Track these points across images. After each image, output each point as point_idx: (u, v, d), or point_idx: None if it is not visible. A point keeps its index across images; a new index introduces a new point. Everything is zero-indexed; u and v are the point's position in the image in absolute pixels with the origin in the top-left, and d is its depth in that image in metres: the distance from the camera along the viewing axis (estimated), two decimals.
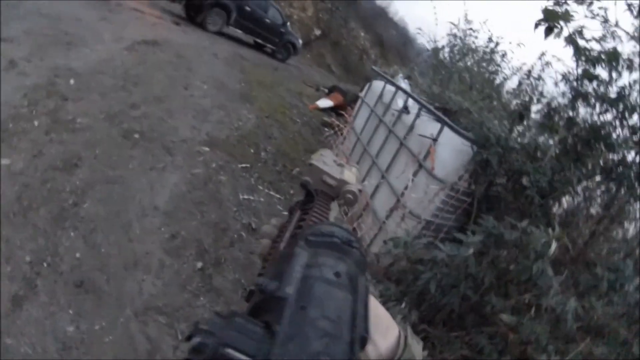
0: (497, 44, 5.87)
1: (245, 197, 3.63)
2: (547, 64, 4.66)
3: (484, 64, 5.91)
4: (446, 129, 3.06)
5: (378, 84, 4.48)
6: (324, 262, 0.37)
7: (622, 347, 2.08)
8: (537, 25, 2.73)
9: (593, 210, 3.00)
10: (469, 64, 6.06)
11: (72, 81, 4.18)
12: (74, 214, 2.57)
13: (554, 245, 2.06)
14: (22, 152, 2.92)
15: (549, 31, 2.72)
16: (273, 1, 13.16)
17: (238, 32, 11.55)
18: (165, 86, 5.19)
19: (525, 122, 3.23)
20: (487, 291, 2.33)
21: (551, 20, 2.71)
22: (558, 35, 2.74)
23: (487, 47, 5.97)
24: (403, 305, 2.45)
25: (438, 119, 3.20)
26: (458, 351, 2.41)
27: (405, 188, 3.17)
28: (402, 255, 2.49)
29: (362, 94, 4.74)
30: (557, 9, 2.69)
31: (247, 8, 11.17)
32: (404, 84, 4.11)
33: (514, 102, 5.01)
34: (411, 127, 3.39)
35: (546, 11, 2.69)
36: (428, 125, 3.33)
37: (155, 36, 7.15)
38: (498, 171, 2.88)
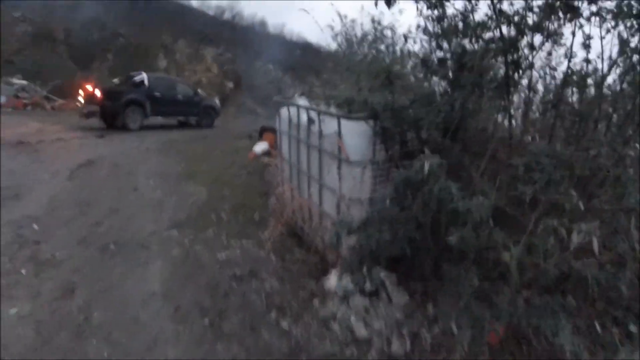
0: (379, 22, 6.50)
1: (223, 254, 4.18)
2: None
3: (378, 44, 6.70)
4: (344, 120, 3.43)
5: (284, 112, 4.81)
6: None
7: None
8: (376, 2, 3.29)
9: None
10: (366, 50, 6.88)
11: (35, 226, 4.63)
12: (89, 326, 3.05)
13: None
14: (23, 298, 3.35)
15: (389, 3, 3.26)
16: (178, 77, 13.89)
17: (159, 119, 12.14)
18: (116, 196, 5.71)
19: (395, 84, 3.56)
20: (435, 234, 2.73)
21: None
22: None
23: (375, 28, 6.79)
24: (382, 273, 2.96)
25: (333, 115, 3.57)
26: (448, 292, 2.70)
27: (339, 182, 3.53)
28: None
29: (276, 126, 5.28)
30: None
31: (157, 94, 11.79)
32: (302, 101, 4.61)
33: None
34: (320, 133, 3.80)
35: None
36: (334, 124, 3.58)
37: (87, 156, 7.66)
38: (401, 132, 3.25)
